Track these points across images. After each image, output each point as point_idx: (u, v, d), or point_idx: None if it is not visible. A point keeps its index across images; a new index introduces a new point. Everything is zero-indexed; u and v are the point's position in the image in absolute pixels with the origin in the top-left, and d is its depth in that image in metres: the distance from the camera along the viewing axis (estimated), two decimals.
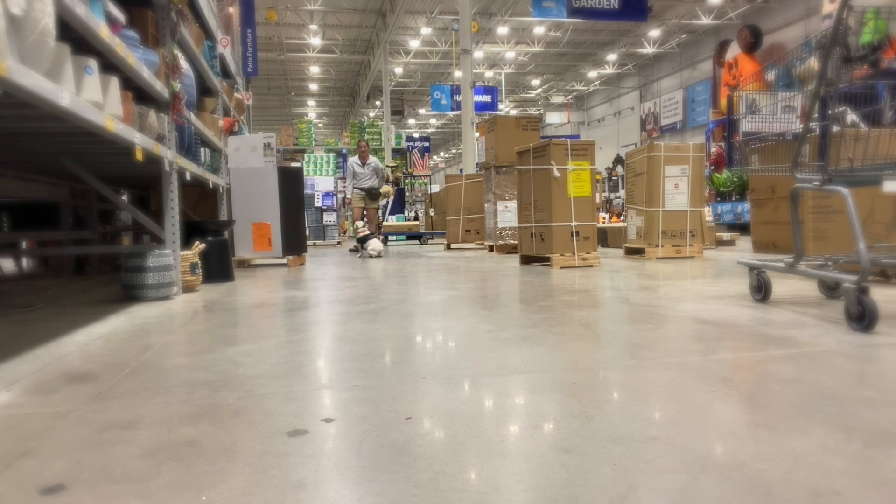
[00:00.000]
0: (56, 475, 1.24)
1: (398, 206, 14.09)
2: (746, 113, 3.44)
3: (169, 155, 4.17)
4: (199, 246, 4.65)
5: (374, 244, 8.42)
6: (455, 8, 17.86)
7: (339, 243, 13.97)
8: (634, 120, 31.59)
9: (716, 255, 6.88)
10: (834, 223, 5.17)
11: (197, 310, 3.55)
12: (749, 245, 7.34)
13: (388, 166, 19.19)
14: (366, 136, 22.00)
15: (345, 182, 20.32)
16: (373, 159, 10.09)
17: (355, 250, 9.43)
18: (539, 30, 25.71)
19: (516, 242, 7.57)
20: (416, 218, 16.66)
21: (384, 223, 13.37)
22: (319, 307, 3.50)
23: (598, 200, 12.88)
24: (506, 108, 34.75)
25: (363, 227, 8.80)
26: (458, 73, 20.04)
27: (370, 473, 1.21)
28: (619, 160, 26.61)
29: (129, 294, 3.99)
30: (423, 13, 22.93)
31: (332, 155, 21.16)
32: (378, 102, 29.48)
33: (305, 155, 20.92)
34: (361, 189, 10.20)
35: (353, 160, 10.09)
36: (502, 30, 24.89)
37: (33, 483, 1.21)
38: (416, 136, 26.99)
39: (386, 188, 16.38)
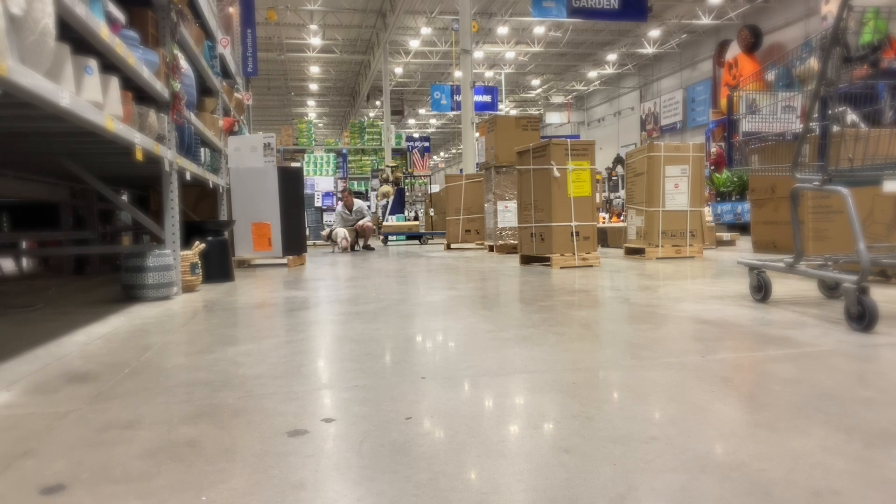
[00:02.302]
0: (56, 475, 1.24)
1: (398, 206, 14.07)
2: (746, 113, 3.44)
3: (169, 155, 4.17)
4: (199, 246, 4.65)
5: (338, 232, 9.73)
6: (455, 8, 17.85)
7: None
8: (634, 120, 31.59)
9: (716, 255, 6.88)
10: (834, 223, 5.17)
11: (197, 310, 3.55)
12: (749, 245, 7.34)
13: (387, 166, 19.20)
14: (365, 137, 22.03)
15: (344, 181, 20.37)
16: (357, 203, 10.65)
17: (352, 249, 10.11)
18: (539, 30, 25.71)
19: (516, 242, 7.56)
20: (416, 218, 16.64)
21: (384, 223, 13.37)
22: (319, 307, 3.50)
23: (598, 200, 12.88)
24: (506, 108, 34.74)
25: (334, 223, 10.17)
26: (458, 73, 20.04)
27: (370, 473, 1.21)
28: (619, 160, 26.60)
29: (129, 294, 3.99)
30: (423, 13, 22.93)
31: (332, 155, 21.16)
32: (378, 102, 29.47)
33: (305, 155, 20.93)
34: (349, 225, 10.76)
35: (341, 209, 10.67)
36: (502, 30, 24.88)
37: (33, 483, 1.21)
38: (416, 136, 26.99)
39: (385, 188, 16.40)
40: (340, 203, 10.70)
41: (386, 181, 17.78)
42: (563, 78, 33.78)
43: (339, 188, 11.60)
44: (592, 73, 32.10)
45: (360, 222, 10.41)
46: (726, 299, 3.38)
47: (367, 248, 10.50)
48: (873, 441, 1.30)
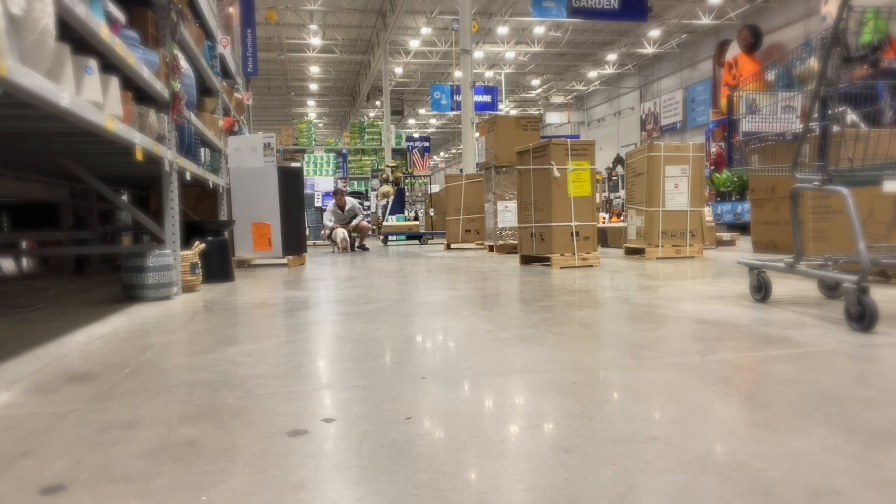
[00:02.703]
0: (56, 475, 1.24)
1: (398, 206, 14.07)
2: (746, 113, 3.44)
3: (169, 155, 4.17)
4: (199, 246, 4.65)
5: (337, 233, 9.83)
6: (455, 8, 17.85)
7: None
8: (634, 120, 31.58)
9: (716, 255, 6.88)
10: (834, 223, 5.17)
11: (197, 310, 3.55)
12: (749, 245, 7.34)
13: (387, 166, 19.20)
14: (365, 137, 22.05)
15: (344, 181, 20.37)
16: (349, 202, 10.66)
17: (352, 249, 10.23)
18: (539, 30, 25.70)
19: (516, 242, 7.56)
20: (416, 218, 16.64)
21: (384, 223, 13.37)
22: (319, 307, 3.50)
23: (598, 200, 12.88)
24: (506, 108, 34.73)
25: (331, 223, 10.19)
26: (458, 73, 20.04)
27: (370, 473, 1.21)
28: (619, 160, 26.60)
29: (129, 294, 3.99)
30: (423, 13, 22.93)
31: (332, 155, 21.17)
32: (378, 102, 29.48)
33: (305, 155, 20.94)
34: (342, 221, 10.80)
35: (333, 207, 10.69)
36: (502, 30, 24.88)
37: (33, 483, 1.21)
38: (416, 136, 27.00)
39: (385, 188, 16.40)
40: (332, 202, 10.69)
41: (386, 181, 17.78)
42: (563, 78, 33.78)
43: (334, 190, 11.63)
44: (592, 73, 32.09)
45: (354, 222, 10.39)
46: (726, 299, 3.38)
47: (362, 247, 10.47)
48: (873, 441, 1.30)
